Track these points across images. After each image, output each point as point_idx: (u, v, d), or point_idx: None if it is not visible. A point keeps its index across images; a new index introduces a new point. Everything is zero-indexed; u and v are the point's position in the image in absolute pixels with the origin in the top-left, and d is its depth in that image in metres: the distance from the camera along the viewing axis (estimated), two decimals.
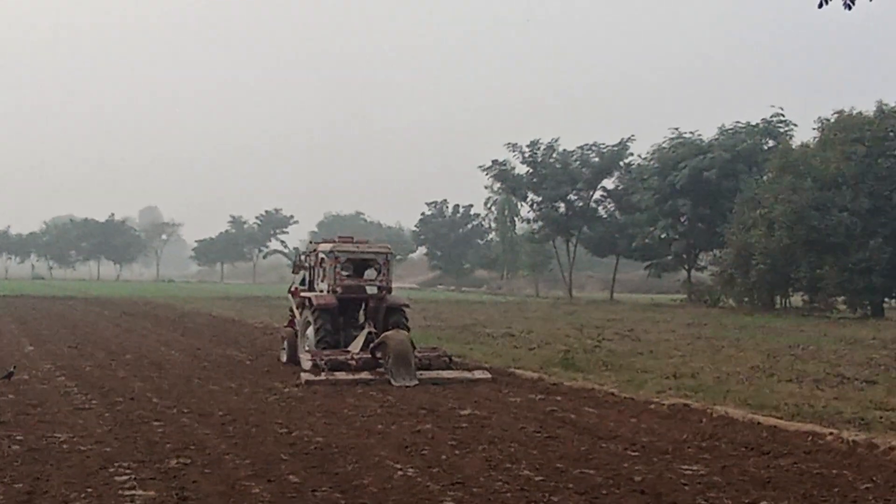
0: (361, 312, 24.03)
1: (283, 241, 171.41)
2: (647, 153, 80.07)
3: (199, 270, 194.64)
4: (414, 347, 21.37)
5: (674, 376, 20.85)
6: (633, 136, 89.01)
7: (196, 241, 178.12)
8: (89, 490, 10.08)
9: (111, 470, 11.08)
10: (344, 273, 23.53)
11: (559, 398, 18.19)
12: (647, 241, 77.73)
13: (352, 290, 23.54)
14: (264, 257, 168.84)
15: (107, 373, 21.09)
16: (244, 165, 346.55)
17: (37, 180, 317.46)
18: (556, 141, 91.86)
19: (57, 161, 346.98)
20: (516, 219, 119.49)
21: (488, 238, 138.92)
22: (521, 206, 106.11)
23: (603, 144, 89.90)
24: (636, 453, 12.69)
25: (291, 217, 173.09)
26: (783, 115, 71.31)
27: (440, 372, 21.28)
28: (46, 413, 15.21)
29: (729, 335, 35.22)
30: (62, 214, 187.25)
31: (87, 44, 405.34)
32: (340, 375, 20.29)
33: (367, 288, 23.80)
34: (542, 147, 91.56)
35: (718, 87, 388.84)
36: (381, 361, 20.78)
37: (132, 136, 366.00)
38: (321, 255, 24.10)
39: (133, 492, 10.07)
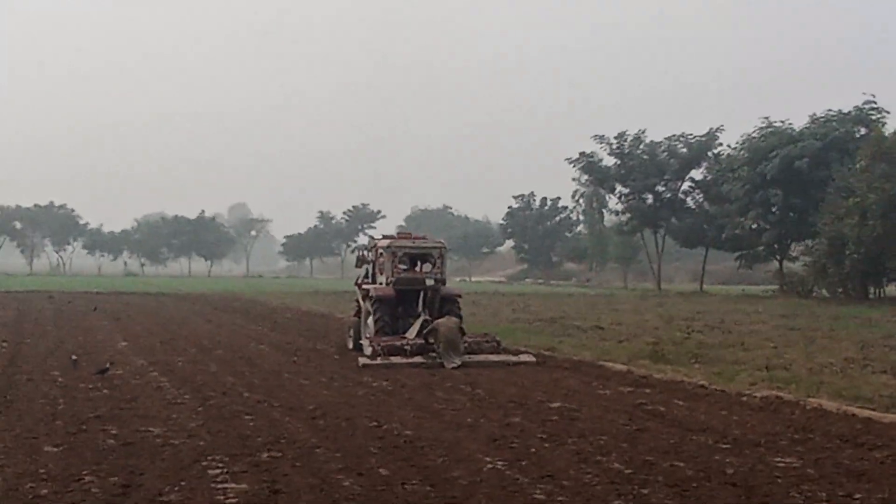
0: (420, 302, 25.00)
1: (370, 236, 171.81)
2: (737, 143, 78.98)
3: (287, 266, 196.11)
4: (463, 333, 23.41)
5: (766, 368, 20.58)
6: (721, 126, 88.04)
7: (285, 237, 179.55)
8: (182, 483, 10.22)
9: (204, 463, 11.22)
10: (401, 266, 25.39)
11: (648, 391, 18.07)
12: (737, 231, 76.41)
13: (408, 283, 25.10)
14: (352, 252, 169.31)
15: (199, 368, 21.34)
16: (332, 161, 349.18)
17: (128, 179, 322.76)
18: (644, 132, 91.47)
19: (148, 160, 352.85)
20: (604, 211, 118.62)
21: (576, 230, 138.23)
22: (609, 197, 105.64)
23: (691, 135, 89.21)
24: (727, 446, 12.55)
25: (379, 212, 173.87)
26: (875, 103, 69.94)
27: (488, 356, 23.35)
28: (140, 408, 15.42)
29: (822, 326, 34.67)
30: (153, 212, 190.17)
31: (181, 48, 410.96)
32: (396, 360, 22.32)
33: (425, 280, 25.08)
34: (630, 138, 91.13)
35: (810, 75, 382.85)
36: (433, 346, 22.78)
37: (221, 134, 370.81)
38: (381, 251, 26.01)
39: (225, 485, 10.18)
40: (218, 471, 10.84)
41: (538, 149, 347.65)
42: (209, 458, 11.52)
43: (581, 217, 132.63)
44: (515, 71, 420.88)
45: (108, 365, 20.51)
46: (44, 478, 10.38)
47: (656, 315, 42.23)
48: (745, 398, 16.78)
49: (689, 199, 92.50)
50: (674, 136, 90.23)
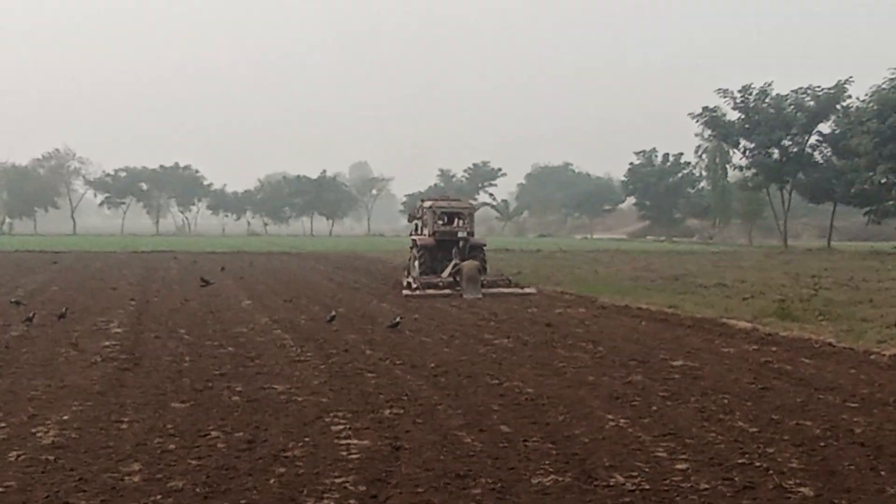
0: (455, 250, 32.45)
1: (491, 194, 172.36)
2: (866, 95, 77.07)
3: (407, 225, 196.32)
4: (482, 273, 31.09)
5: (895, 326, 20.09)
6: (850, 77, 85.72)
7: (405, 196, 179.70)
8: (306, 439, 10.35)
9: (327, 419, 11.35)
10: (440, 222, 33.86)
11: (774, 349, 17.78)
12: (865, 186, 74.53)
13: (445, 234, 33.41)
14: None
15: (321, 326, 21.57)
16: (452, 119, 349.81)
17: (251, 141, 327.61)
18: (769, 85, 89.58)
19: (270, 122, 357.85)
20: (728, 166, 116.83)
21: (699, 187, 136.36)
22: (733, 153, 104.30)
23: (818, 87, 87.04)
24: (855, 405, 12.29)
25: (499, 169, 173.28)
26: None
27: (501, 289, 31.11)
28: (264, 365, 15.67)
29: None
30: (276, 172, 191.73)
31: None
32: (430, 291, 30.03)
33: (458, 233, 33.39)
34: (755, 92, 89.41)
35: None
36: (458, 282, 30.19)
37: (342, 94, 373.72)
38: (424, 210, 34.54)
39: (348, 441, 10.28)
40: (341, 427, 10.95)
41: (660, 104, 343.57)
42: (332, 414, 11.65)
43: (704, 173, 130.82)
44: (637, 25, 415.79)
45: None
46: (171, 433, 10.61)
47: (782, 272, 41.56)
48: (873, 356, 16.43)
49: (816, 153, 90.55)
50: (800, 88, 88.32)
